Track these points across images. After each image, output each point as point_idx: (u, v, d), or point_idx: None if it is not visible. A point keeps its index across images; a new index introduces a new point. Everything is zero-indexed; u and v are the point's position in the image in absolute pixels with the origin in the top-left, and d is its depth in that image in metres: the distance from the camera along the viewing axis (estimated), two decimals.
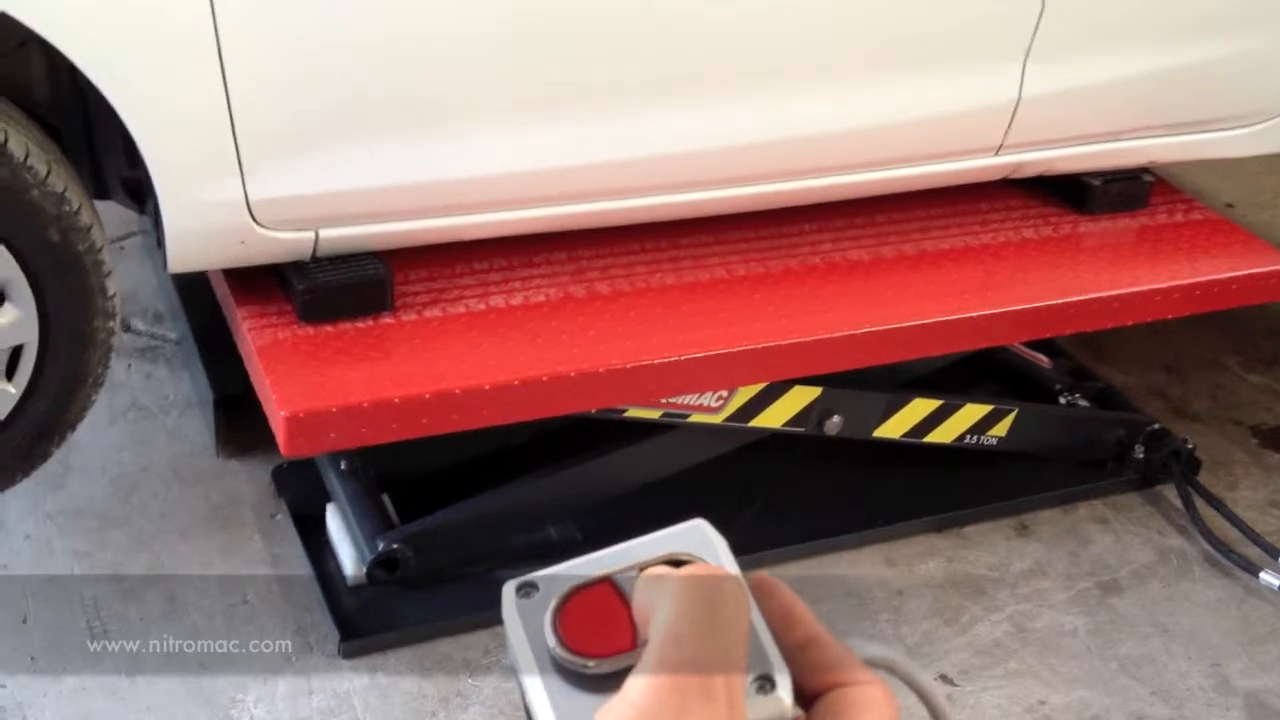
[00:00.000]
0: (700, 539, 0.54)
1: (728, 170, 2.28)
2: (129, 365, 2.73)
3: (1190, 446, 2.65)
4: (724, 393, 2.27)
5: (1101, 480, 2.67)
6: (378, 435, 1.99)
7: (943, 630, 2.30)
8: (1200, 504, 2.59)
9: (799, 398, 2.34)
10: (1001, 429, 2.55)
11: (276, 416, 1.93)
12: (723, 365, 2.16)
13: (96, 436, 2.52)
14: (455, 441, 2.28)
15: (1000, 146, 2.47)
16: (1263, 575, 2.46)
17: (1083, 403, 2.75)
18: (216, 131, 1.89)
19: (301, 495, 2.41)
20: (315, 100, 1.96)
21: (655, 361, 2.11)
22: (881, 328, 2.25)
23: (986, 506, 2.57)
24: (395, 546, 2.17)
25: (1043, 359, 2.77)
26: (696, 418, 2.29)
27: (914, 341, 2.31)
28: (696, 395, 2.25)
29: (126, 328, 2.81)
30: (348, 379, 1.99)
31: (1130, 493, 2.68)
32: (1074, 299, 2.41)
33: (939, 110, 2.36)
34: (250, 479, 2.47)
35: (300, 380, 1.98)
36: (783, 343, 2.19)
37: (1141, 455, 2.65)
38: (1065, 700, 2.19)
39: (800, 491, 2.53)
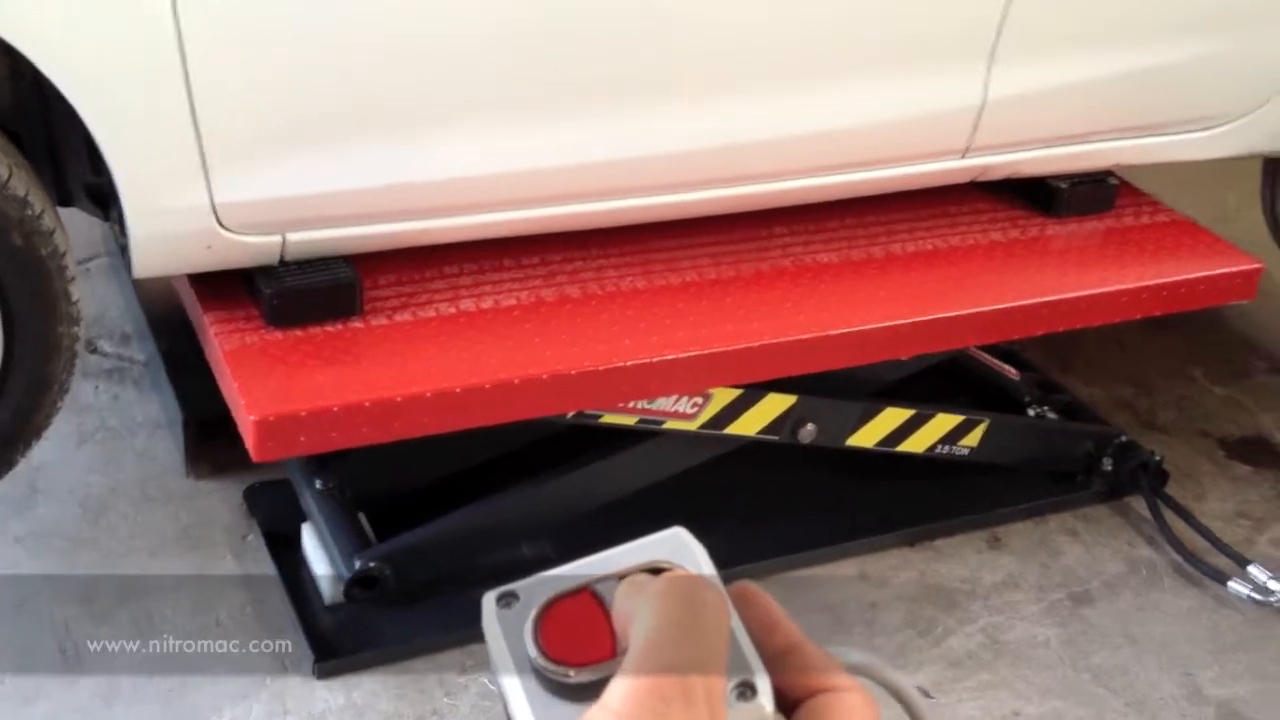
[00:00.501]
0: (679, 547, 0.54)
1: (695, 174, 2.28)
2: (96, 387, 2.70)
3: (1158, 459, 2.66)
4: (699, 399, 2.27)
5: (1071, 493, 2.68)
6: (348, 439, 1.98)
7: (917, 642, 2.30)
8: (1169, 515, 2.59)
9: (774, 405, 2.34)
10: (973, 439, 2.56)
11: (245, 421, 1.91)
12: (695, 367, 2.16)
13: (64, 459, 2.49)
14: (430, 458, 2.27)
15: (967, 149, 2.48)
16: (1231, 584, 2.47)
17: (1051, 415, 2.76)
18: (181, 135, 1.87)
19: (273, 515, 2.38)
20: (282, 103, 1.95)
21: (628, 364, 2.10)
22: (852, 329, 2.26)
23: (958, 519, 2.57)
24: (373, 565, 2.15)
25: (1011, 371, 2.79)
26: (672, 424, 2.28)
27: (884, 343, 2.32)
28: (672, 402, 2.25)
29: (93, 349, 2.77)
30: (317, 383, 1.98)
31: (1099, 504, 2.68)
32: (1043, 300, 2.42)
33: (906, 113, 2.37)
34: (221, 499, 2.45)
35: (269, 384, 1.96)
36: (754, 344, 2.19)
37: (1110, 467, 2.66)
38: (1039, 711, 2.19)
39: (772, 505, 2.52)
